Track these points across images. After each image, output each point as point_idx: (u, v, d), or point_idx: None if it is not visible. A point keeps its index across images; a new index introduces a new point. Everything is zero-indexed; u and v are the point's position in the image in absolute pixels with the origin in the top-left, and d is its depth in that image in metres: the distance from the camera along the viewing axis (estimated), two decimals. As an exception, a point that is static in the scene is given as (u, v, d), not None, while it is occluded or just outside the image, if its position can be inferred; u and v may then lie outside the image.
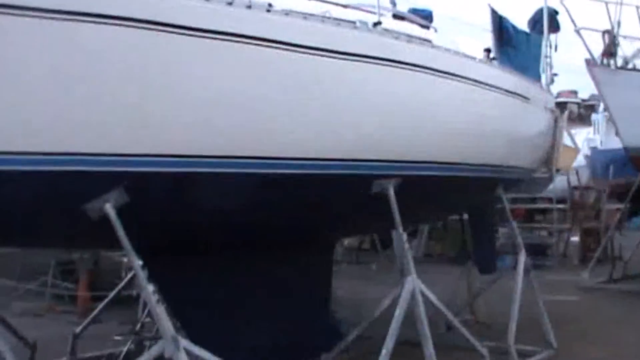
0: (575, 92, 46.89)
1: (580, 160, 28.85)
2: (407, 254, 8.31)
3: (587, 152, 29.34)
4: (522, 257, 10.86)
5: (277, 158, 7.00)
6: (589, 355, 10.59)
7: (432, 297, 8.43)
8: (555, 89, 13.18)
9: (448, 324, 9.66)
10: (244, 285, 7.81)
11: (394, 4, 11.85)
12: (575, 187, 23.83)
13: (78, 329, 10.15)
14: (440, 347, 8.39)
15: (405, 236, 8.33)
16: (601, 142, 29.79)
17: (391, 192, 8.02)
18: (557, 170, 14.23)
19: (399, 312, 7.95)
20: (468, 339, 8.98)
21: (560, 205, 22.89)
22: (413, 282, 8.13)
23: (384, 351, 7.75)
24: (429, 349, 8.04)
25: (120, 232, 6.10)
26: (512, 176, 11.18)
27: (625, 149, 15.16)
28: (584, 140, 30.91)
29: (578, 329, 12.10)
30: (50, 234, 6.88)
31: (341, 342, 8.71)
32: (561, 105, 12.25)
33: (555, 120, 12.54)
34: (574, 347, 10.87)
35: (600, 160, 26.07)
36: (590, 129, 33.19)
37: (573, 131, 31.05)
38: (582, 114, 46.37)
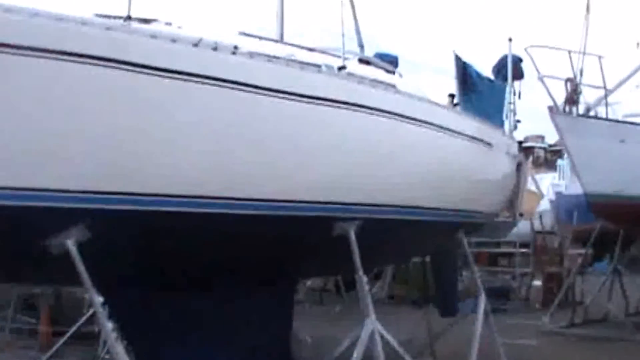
0: (542, 137, 47.45)
1: (545, 205, 29.08)
2: (367, 296, 8.38)
3: (552, 197, 29.53)
4: (482, 301, 10.95)
5: (238, 199, 7.06)
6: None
7: (391, 339, 8.47)
8: (521, 134, 13.35)
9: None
10: (204, 322, 7.82)
11: (361, 47, 12.00)
12: (538, 232, 24.02)
13: (37, 364, 10.12)
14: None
15: (365, 278, 8.37)
16: (566, 187, 29.98)
17: (352, 235, 8.08)
18: (520, 215, 14.37)
19: (357, 354, 8.00)
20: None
21: (524, 250, 23.10)
22: (372, 324, 8.20)
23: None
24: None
25: (81, 268, 6.11)
26: (474, 220, 11.28)
27: (586, 195, 15.33)
28: (549, 185, 31.16)
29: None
30: (12, 269, 6.90)
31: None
32: (528, 150, 12.37)
33: (519, 166, 12.69)
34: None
35: (564, 205, 26.19)
36: (556, 174, 33.46)
37: (538, 176, 31.39)
38: (549, 158, 46.87)
